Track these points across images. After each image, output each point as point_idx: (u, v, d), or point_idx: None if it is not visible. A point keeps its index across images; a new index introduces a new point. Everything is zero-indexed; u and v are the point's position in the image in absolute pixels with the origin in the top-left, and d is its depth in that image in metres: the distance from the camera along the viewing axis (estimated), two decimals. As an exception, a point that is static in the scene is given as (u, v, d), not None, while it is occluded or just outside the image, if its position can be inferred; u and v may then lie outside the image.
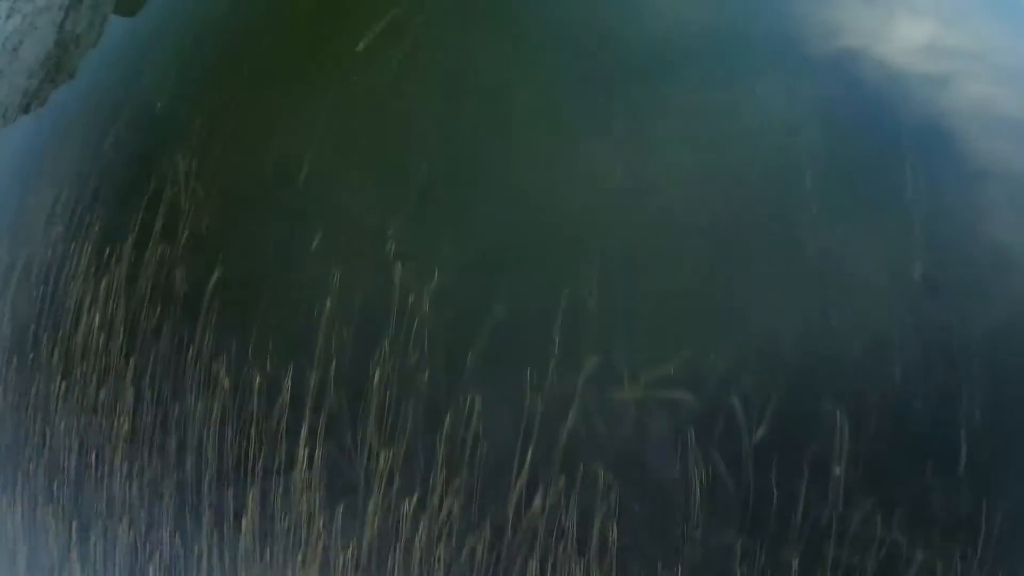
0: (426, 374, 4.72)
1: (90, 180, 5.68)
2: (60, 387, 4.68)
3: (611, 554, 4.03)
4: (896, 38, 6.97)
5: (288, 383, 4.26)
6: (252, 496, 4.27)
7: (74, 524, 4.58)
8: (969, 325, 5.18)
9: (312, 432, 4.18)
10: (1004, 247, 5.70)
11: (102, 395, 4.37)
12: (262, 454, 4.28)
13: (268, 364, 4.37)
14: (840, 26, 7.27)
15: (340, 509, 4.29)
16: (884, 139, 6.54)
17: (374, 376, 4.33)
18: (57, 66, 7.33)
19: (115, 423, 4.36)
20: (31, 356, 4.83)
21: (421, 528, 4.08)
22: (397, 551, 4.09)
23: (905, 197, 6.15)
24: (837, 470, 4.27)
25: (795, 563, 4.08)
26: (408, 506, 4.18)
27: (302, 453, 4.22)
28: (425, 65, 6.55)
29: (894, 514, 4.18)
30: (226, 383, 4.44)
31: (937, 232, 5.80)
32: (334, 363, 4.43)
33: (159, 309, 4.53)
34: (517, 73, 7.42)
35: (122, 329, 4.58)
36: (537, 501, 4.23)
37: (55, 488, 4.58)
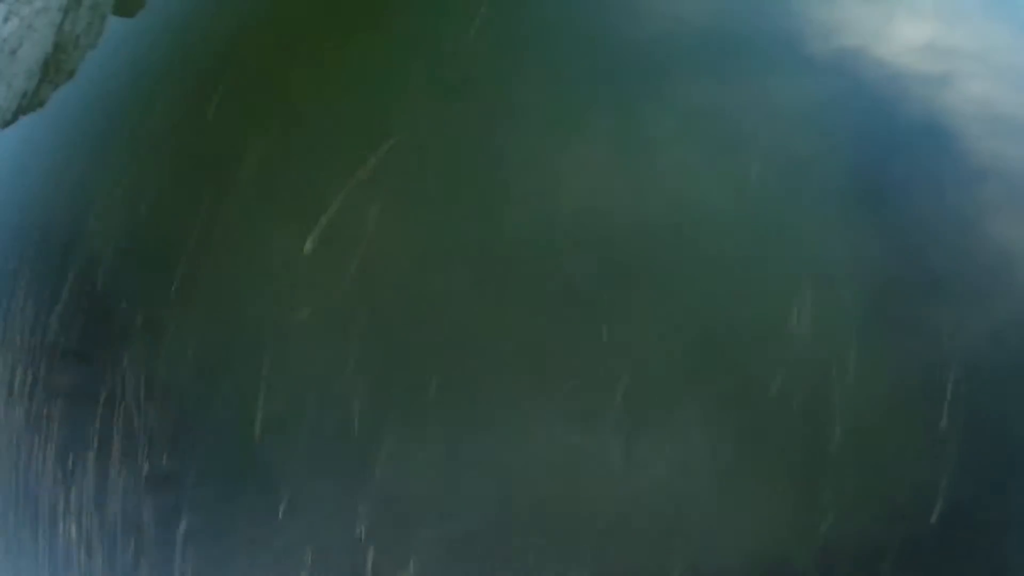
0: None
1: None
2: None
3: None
4: (896, 38, 6.85)
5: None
6: None
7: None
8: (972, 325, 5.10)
9: None
10: (1006, 244, 5.60)
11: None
12: None
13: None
14: (840, 26, 7.15)
15: None
16: (885, 138, 6.43)
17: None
18: (57, 67, 7.29)
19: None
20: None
21: None
22: None
23: (907, 196, 6.03)
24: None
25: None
26: None
27: None
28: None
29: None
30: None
31: (939, 230, 5.69)
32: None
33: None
34: (519, 73, 7.25)
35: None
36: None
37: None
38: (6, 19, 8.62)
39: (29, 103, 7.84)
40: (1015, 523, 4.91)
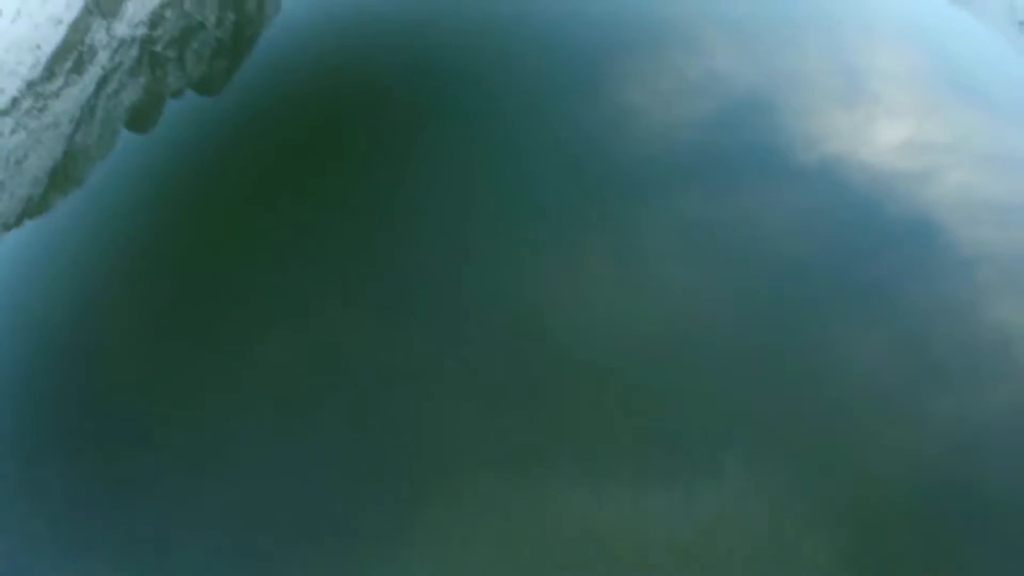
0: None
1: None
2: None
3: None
4: (876, 140, 7.04)
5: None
6: None
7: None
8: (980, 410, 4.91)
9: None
10: (1002, 328, 5.48)
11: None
12: None
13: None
14: (822, 134, 7.34)
15: None
16: (874, 237, 6.46)
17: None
18: (65, 175, 7.47)
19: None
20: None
21: None
22: None
23: (900, 290, 5.97)
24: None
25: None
26: None
27: None
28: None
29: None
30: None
31: (935, 320, 5.59)
32: None
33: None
34: (513, 191, 7.35)
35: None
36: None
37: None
38: (13, 131, 9.03)
39: (35, 208, 8.07)
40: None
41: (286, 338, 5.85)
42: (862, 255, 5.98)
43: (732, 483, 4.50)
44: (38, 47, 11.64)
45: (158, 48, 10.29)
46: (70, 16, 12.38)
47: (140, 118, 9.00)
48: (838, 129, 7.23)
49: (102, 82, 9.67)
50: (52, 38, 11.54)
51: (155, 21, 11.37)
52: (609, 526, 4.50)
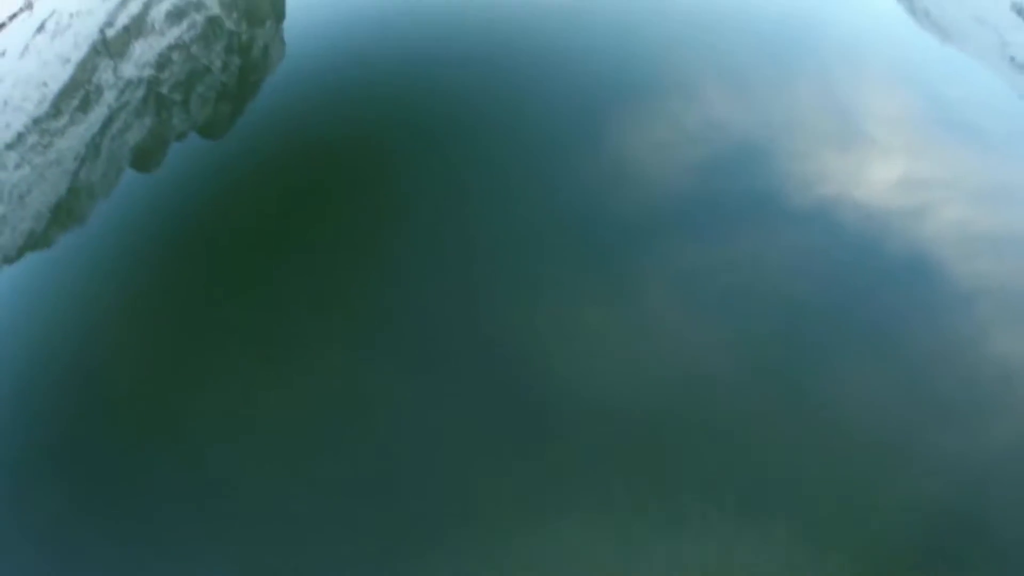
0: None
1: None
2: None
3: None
4: (871, 180, 7.25)
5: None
6: None
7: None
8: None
9: None
10: (1004, 361, 5.56)
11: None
12: None
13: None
14: (817, 176, 7.52)
15: None
16: (873, 276, 6.56)
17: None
18: (68, 212, 7.52)
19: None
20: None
21: None
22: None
23: (902, 328, 6.05)
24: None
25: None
26: None
27: None
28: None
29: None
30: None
31: (938, 357, 5.65)
32: None
33: None
34: (509, 240, 7.44)
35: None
36: None
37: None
38: (17, 166, 9.09)
39: (37, 243, 8.08)
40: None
41: (286, 380, 5.83)
42: (861, 294, 6.07)
43: (736, 530, 4.48)
44: (45, 84, 11.87)
45: (164, 90, 10.47)
46: (78, 55, 12.64)
47: (144, 158, 9.10)
48: (833, 171, 7.43)
49: (108, 121, 9.80)
50: (59, 76, 11.91)
51: (162, 63, 11.60)
52: (602, 571, 4.46)
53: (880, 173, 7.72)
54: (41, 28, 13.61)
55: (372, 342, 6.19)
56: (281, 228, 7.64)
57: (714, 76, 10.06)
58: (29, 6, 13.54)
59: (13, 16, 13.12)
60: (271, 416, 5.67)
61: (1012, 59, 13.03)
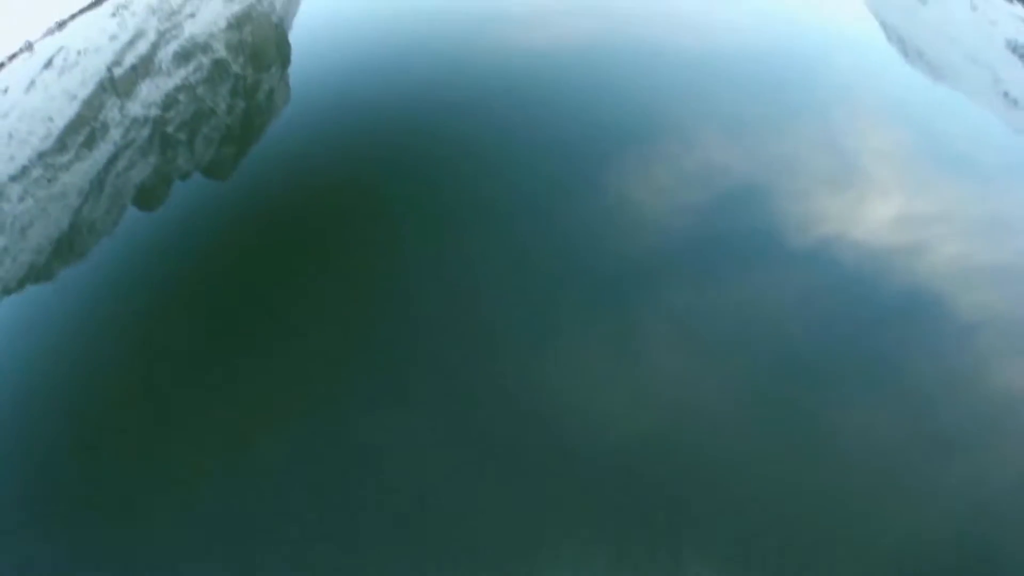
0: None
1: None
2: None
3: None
4: (868, 218, 7.42)
5: None
6: None
7: None
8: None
9: None
10: (1008, 393, 5.63)
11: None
12: None
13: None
14: (814, 217, 7.67)
15: None
16: (873, 314, 6.66)
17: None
18: (70, 246, 7.55)
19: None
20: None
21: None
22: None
23: (905, 364, 6.12)
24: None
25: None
26: None
27: None
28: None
29: None
30: None
31: (941, 391, 5.72)
32: None
33: None
34: (508, 284, 7.53)
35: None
36: None
37: None
38: (20, 199, 9.12)
39: (37, 275, 8.06)
40: None
41: (285, 427, 5.78)
42: (862, 331, 6.14)
43: (740, 569, 4.46)
44: (50, 119, 11.96)
45: (169, 130, 10.61)
46: (84, 92, 12.75)
47: (148, 196, 9.17)
48: (832, 210, 7.60)
49: (112, 158, 9.89)
50: (65, 111, 12.02)
51: (168, 103, 11.77)
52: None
53: (878, 211, 7.91)
54: (49, 64, 13.80)
55: (370, 384, 6.17)
56: (282, 270, 7.68)
57: (711, 120, 10.21)
58: (29, 47, 13.75)
59: (13, 56, 13.32)
60: (266, 458, 5.61)
61: (1006, 95, 13.61)
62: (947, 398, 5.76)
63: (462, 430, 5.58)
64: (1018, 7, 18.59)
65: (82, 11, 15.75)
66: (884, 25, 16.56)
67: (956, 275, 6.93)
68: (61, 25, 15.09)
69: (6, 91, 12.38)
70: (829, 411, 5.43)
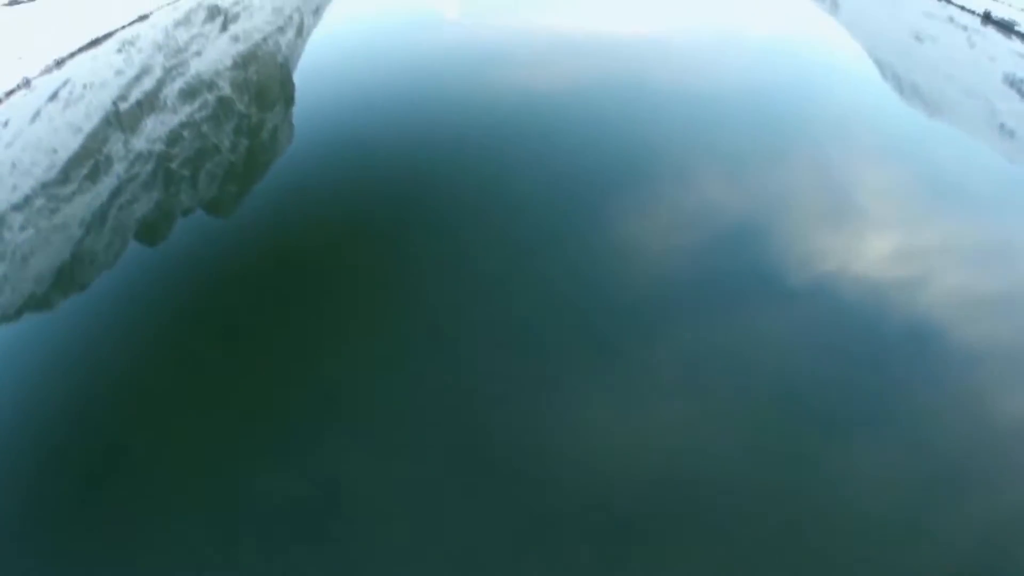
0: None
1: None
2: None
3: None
4: (867, 254, 7.49)
5: None
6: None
7: None
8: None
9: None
10: (1019, 419, 5.62)
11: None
12: None
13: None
14: (815, 253, 7.77)
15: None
16: (876, 349, 6.68)
17: None
18: (70, 277, 7.58)
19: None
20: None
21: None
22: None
23: (909, 397, 6.15)
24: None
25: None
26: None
27: None
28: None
29: None
30: None
31: (948, 424, 5.73)
32: None
33: None
34: (507, 329, 7.58)
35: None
36: None
37: None
38: (22, 228, 9.12)
39: (36, 304, 8.02)
40: None
41: (283, 470, 5.71)
42: (865, 370, 6.13)
43: None
44: (54, 151, 12.03)
45: (173, 166, 10.68)
46: (89, 125, 12.88)
47: (150, 231, 9.19)
48: (829, 247, 7.67)
49: (116, 192, 9.94)
50: (69, 144, 12.09)
51: (173, 139, 11.88)
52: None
53: (876, 246, 7.98)
54: (54, 96, 13.94)
55: (368, 431, 6.11)
56: (281, 310, 7.66)
57: (709, 158, 10.37)
58: (27, 83, 13.90)
59: (10, 92, 13.45)
60: (263, 502, 5.52)
61: (1002, 126, 13.84)
62: (954, 434, 5.73)
63: (454, 477, 5.50)
64: (1017, 43, 19.20)
65: (80, 50, 16.01)
66: (879, 63, 17.16)
67: (958, 307, 6.95)
68: (59, 63, 15.35)
69: (6, 124, 12.49)
70: (834, 453, 5.39)
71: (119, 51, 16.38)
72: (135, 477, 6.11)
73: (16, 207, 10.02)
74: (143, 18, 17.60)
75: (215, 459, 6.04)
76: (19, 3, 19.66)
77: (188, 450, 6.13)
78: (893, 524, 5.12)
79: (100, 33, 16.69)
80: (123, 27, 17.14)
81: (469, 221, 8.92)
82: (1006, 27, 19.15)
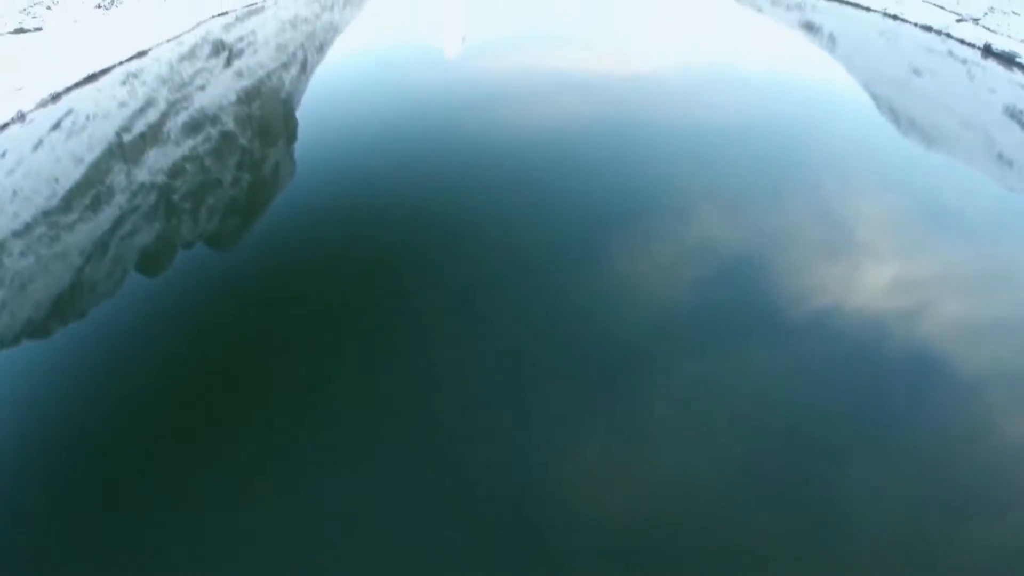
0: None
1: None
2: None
3: None
4: (865, 285, 7.56)
5: None
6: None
7: None
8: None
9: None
10: (1019, 449, 5.56)
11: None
12: None
13: None
14: (815, 286, 7.80)
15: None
16: (878, 380, 6.66)
17: None
18: (69, 305, 7.50)
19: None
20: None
21: None
22: None
23: (914, 428, 6.11)
24: None
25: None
26: None
27: None
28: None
29: None
30: None
31: (954, 451, 5.69)
32: None
33: None
34: (509, 366, 7.51)
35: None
36: None
37: None
38: (22, 254, 9.04)
39: (34, 331, 7.91)
40: None
41: (280, 504, 5.61)
42: (867, 401, 6.14)
43: None
44: (56, 180, 12.10)
45: (176, 198, 10.67)
46: (92, 156, 12.98)
47: (150, 262, 9.16)
48: (829, 280, 7.71)
49: (117, 222, 9.90)
50: (71, 173, 12.20)
51: (175, 172, 11.92)
52: None
53: (875, 277, 8.04)
54: (57, 126, 13.91)
55: (368, 466, 6.03)
56: (279, 345, 7.60)
57: (709, 195, 10.65)
58: (21, 117, 13.82)
59: (4, 126, 13.35)
60: (260, 544, 5.40)
61: (1000, 156, 14.36)
62: (956, 463, 5.74)
63: (456, 516, 5.43)
64: (1018, 74, 19.56)
65: (77, 85, 15.94)
66: (875, 97, 17.65)
67: (957, 334, 7.01)
68: (55, 97, 15.32)
69: (4, 155, 12.39)
70: (837, 486, 5.38)
71: (123, 83, 16.41)
72: (128, 512, 5.91)
73: (16, 234, 9.94)
74: (142, 54, 17.64)
75: (208, 492, 6.02)
76: (24, 31, 19.72)
77: (183, 484, 6.10)
78: (899, 554, 5.07)
79: (98, 68, 16.68)
80: (121, 63, 17.16)
81: (470, 258, 9.00)
82: (1007, 59, 19.49)
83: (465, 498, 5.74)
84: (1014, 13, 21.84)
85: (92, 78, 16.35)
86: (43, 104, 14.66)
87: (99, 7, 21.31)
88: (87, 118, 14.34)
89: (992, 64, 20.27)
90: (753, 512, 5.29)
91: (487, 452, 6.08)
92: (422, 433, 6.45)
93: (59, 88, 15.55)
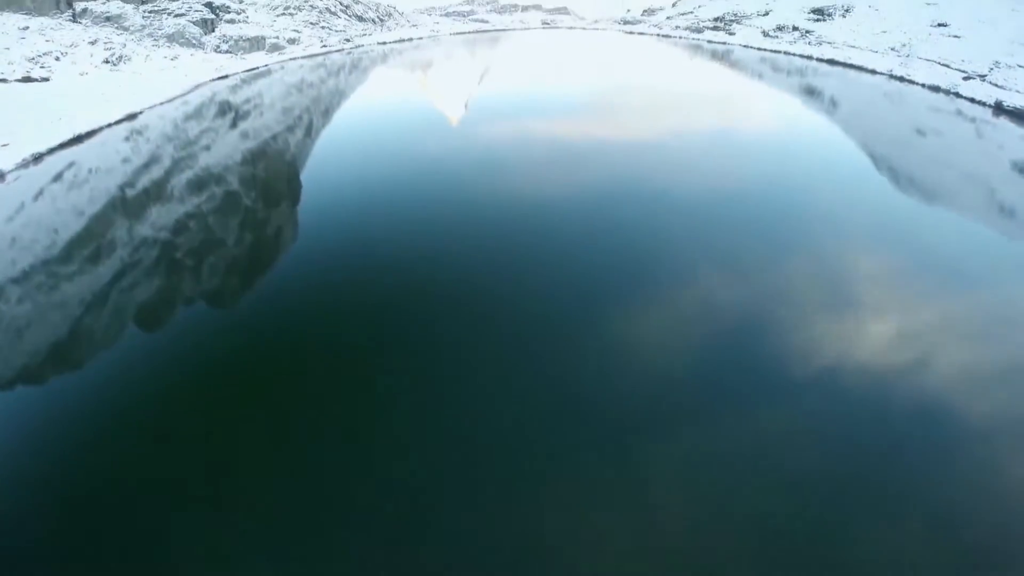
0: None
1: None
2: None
3: None
4: (867, 338, 7.50)
5: None
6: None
7: None
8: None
9: None
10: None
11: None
12: None
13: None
14: (817, 344, 7.75)
15: None
16: (883, 438, 6.58)
17: None
18: (65, 354, 7.33)
19: None
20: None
21: None
22: None
23: (920, 483, 5.99)
24: None
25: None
26: None
27: None
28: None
29: None
30: None
31: (965, 503, 5.57)
32: None
33: None
34: (512, 434, 7.36)
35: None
36: None
37: None
38: (19, 301, 8.83)
39: (29, 378, 7.68)
40: None
41: (278, 557, 5.39)
42: (875, 459, 6.07)
43: None
44: (55, 231, 12.16)
45: (177, 255, 10.56)
46: (92, 209, 13.19)
47: (149, 317, 9.02)
48: (831, 338, 7.69)
49: (117, 276, 9.79)
50: (72, 225, 12.38)
51: (178, 229, 11.83)
52: None
53: (878, 332, 8.01)
54: (58, 177, 13.82)
55: (368, 527, 5.83)
56: (275, 408, 7.42)
57: (709, 259, 10.76)
58: (1, 178, 13.61)
59: None
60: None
61: (1001, 207, 14.62)
62: (969, 515, 5.69)
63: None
64: None
65: (62, 146, 15.88)
66: (874, 157, 18.27)
67: (962, 382, 6.97)
68: (37, 159, 15.41)
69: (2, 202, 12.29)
70: (850, 546, 5.27)
71: (126, 139, 16.45)
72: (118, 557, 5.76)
73: (14, 281, 9.83)
74: (131, 117, 17.55)
75: (202, 549, 5.85)
76: (32, 80, 19.84)
77: (173, 538, 5.95)
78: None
79: (83, 130, 16.60)
80: (109, 125, 17.11)
81: (472, 325, 8.97)
82: (1019, 116, 20.09)
83: (472, 559, 5.57)
84: (1020, 67, 21.62)
85: (77, 140, 16.51)
86: (24, 164, 14.73)
87: (107, 62, 21.54)
88: (89, 171, 14.32)
89: (1004, 121, 20.80)
90: (759, 569, 5.19)
91: (490, 513, 5.95)
92: (427, 495, 6.22)
93: (42, 149, 15.66)
